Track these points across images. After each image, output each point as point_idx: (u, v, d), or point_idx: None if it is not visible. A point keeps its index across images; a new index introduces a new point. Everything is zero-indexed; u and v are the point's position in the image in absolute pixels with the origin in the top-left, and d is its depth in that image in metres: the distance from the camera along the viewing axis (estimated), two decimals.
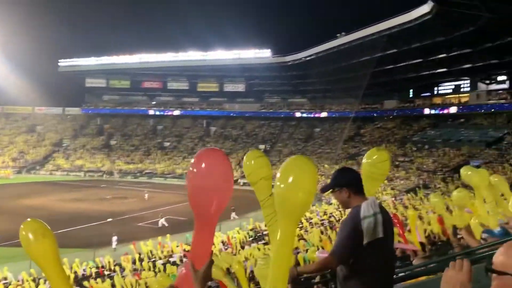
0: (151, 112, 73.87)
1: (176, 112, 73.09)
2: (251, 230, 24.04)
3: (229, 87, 72.13)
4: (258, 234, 22.95)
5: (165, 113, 74.16)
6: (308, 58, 53.57)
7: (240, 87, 71.49)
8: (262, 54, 61.66)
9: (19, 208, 30.75)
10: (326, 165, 49.37)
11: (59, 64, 72.93)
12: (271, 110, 69.28)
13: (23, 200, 34.94)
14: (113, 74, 73.03)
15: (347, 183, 2.79)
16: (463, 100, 48.59)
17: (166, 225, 27.34)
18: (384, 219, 2.68)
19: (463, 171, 7.28)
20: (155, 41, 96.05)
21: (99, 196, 38.21)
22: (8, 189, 41.20)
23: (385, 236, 2.65)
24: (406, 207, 22.55)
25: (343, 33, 46.28)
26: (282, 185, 2.36)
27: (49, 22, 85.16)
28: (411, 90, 56.10)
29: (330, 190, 2.88)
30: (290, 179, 2.34)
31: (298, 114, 66.59)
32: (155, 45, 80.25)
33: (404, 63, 44.98)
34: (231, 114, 71.31)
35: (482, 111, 44.45)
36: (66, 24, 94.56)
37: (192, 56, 66.53)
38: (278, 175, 2.44)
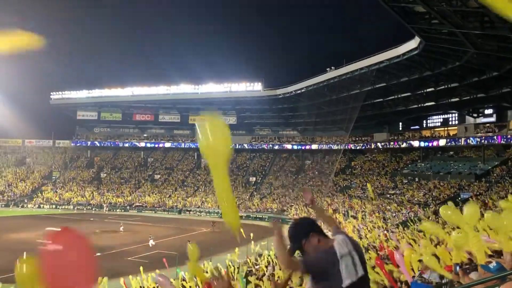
0: (142, 144, 73.77)
1: (167, 145, 73.06)
2: (244, 264, 23.69)
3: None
4: (249, 269, 22.59)
5: (156, 146, 74.09)
6: (298, 92, 54.29)
7: (231, 120, 71.88)
8: (253, 87, 62.38)
9: (6, 243, 30.06)
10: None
11: (51, 96, 73.03)
12: (262, 143, 69.55)
13: (10, 234, 34.20)
14: (104, 107, 73.24)
15: (309, 229, 2.65)
16: (451, 133, 49.27)
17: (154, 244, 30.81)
18: (359, 255, 2.56)
19: (442, 210, 7.24)
20: (147, 74, 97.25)
21: (88, 230, 37.46)
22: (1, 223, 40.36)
23: (365, 273, 2.55)
24: (397, 240, 22.41)
25: (332, 67, 47.10)
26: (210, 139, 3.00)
27: (41, 55, 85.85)
28: (400, 123, 56.84)
29: (300, 246, 2.69)
30: (216, 134, 3.06)
31: (289, 147, 66.88)
32: (147, 78, 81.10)
33: (393, 97, 45.78)
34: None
35: (471, 143, 45.02)
36: (59, 57, 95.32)
37: (184, 89, 67.10)
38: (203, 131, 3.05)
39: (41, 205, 58.86)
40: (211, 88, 65.46)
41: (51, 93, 73.01)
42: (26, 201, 60.50)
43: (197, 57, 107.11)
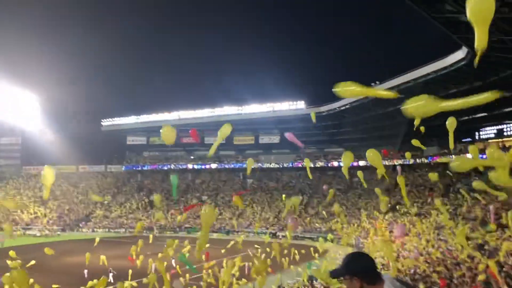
0: (189, 166, 75.14)
1: (214, 166, 74.00)
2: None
3: (264, 139, 72.80)
4: None
5: (203, 167, 75.20)
6: (343, 108, 53.73)
7: (275, 139, 72.02)
8: (296, 106, 62.43)
9: (62, 266, 31.15)
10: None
11: (102, 123, 76.39)
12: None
13: (67, 257, 35.44)
14: (152, 131, 75.46)
15: (360, 271, 2.51)
16: (507, 144, 46.87)
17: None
18: None
19: None
20: (192, 98, 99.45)
21: (141, 252, 38.26)
22: (53, 247, 41.77)
23: None
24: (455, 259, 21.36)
25: (377, 82, 46.38)
26: None
27: (92, 84, 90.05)
28: None
29: (342, 275, 2.59)
30: None
31: (335, 164, 65.89)
32: (193, 102, 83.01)
33: None
34: (267, 166, 71.43)
35: None
36: (108, 85, 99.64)
37: (227, 111, 68.23)
38: None
39: (95, 229, 60.90)
40: (254, 109, 66.16)
41: (102, 120, 76.41)
42: (80, 225, 62.83)
43: (240, 79, 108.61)
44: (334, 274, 2.67)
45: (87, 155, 76.06)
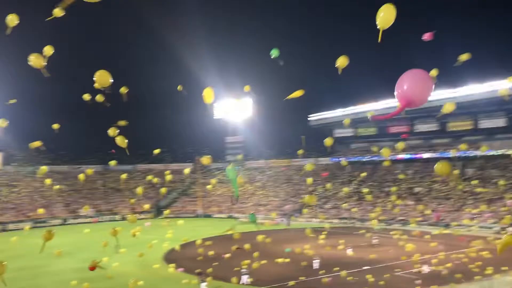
0: (400, 157, 72.36)
1: (426, 155, 69.54)
2: None
3: (485, 123, 64.92)
4: None
5: (414, 157, 71.44)
6: None
7: (499, 122, 63.40)
8: None
9: (279, 253, 33.42)
10: None
11: (309, 118, 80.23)
12: None
13: (285, 244, 38.27)
14: (359, 123, 75.33)
15: None
16: None
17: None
18: None
19: None
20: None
21: (354, 243, 38.71)
22: (275, 235, 45.44)
23: None
24: None
25: None
26: None
27: (299, 82, 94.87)
28: None
29: None
30: None
31: None
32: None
33: None
34: (490, 154, 63.33)
35: None
36: (316, 81, 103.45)
37: (439, 95, 63.01)
38: None
39: (309, 219, 64.21)
40: (472, 90, 59.54)
41: (309, 115, 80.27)
42: (296, 215, 67.18)
43: (454, 57, 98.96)
44: None
45: (298, 149, 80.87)
